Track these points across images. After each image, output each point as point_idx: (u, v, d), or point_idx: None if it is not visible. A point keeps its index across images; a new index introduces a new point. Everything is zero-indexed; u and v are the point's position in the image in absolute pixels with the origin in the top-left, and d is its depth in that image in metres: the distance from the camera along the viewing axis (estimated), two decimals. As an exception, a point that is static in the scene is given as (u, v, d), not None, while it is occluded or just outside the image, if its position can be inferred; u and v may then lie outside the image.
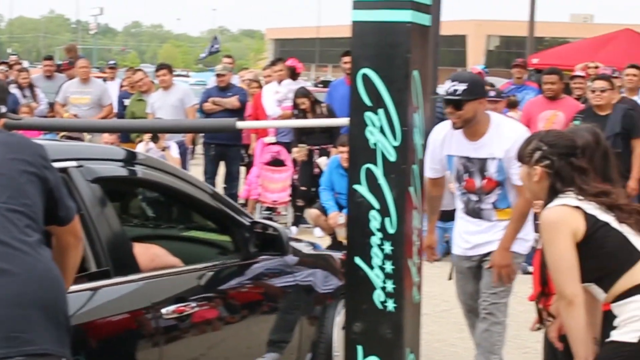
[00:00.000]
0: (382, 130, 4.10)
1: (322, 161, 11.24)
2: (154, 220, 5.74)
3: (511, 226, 5.22)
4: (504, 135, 5.17)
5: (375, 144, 4.12)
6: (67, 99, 12.86)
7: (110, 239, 3.88)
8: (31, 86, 13.91)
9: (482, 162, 5.24)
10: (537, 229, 4.38)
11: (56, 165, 3.67)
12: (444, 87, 5.12)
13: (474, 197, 5.35)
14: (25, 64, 20.75)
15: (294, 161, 11.91)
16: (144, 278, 4.01)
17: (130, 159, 4.42)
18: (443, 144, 5.32)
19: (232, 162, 12.51)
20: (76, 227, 3.22)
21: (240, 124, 4.98)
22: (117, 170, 4.25)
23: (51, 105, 13.70)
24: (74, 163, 3.90)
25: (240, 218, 4.80)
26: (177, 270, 4.35)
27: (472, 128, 5.14)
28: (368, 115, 4.11)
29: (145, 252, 4.22)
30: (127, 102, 12.93)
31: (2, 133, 3.10)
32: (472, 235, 5.41)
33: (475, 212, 5.37)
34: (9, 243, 2.80)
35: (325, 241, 10.03)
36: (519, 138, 4.34)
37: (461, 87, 5.02)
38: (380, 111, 4.09)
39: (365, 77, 4.11)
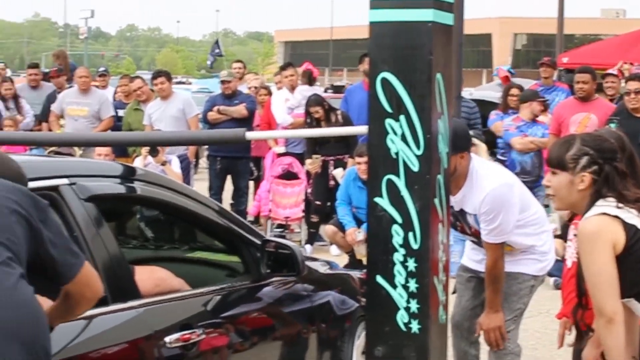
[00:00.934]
0: (404, 139, 4.11)
1: (338, 173, 11.29)
2: (156, 241, 5.74)
3: (490, 289, 5.42)
4: (474, 192, 5.32)
5: (396, 154, 4.13)
6: (63, 109, 12.80)
7: (107, 262, 3.87)
8: (15, 97, 13.80)
9: (462, 215, 5.39)
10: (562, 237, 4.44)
11: (46, 183, 3.74)
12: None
13: (471, 238, 5.57)
14: (7, 72, 20.88)
15: (308, 174, 11.96)
16: (145, 304, 4.00)
17: (128, 175, 4.41)
18: None
19: (240, 176, 12.55)
20: (90, 281, 3.25)
21: (249, 135, 5.00)
22: (114, 187, 4.25)
23: (37, 117, 13.71)
24: (65, 180, 3.89)
25: (250, 236, 4.82)
26: (182, 295, 4.34)
27: (452, 182, 5.20)
28: (388, 122, 4.12)
29: (149, 277, 4.22)
30: (121, 112, 12.89)
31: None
32: (478, 261, 5.60)
33: (478, 245, 5.54)
34: None
35: (342, 259, 10.08)
36: (488, 194, 4.89)
37: None
38: (402, 118, 4.11)
39: (385, 82, 4.13)
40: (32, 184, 3.56)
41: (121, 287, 3.92)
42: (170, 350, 4.00)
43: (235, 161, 12.40)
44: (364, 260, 9.58)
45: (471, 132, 10.05)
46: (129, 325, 3.90)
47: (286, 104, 12.43)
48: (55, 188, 3.81)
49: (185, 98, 12.73)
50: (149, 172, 4.87)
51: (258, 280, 4.79)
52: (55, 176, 3.88)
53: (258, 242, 4.82)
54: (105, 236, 3.94)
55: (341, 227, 10.18)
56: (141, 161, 10.50)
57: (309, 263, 5.18)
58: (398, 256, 4.20)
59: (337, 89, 27.49)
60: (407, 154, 4.13)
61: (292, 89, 12.64)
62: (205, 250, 5.46)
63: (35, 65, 15.81)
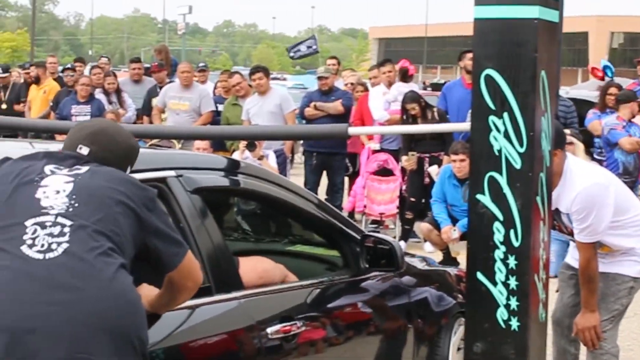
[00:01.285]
0: (507, 136, 4.10)
1: (433, 170, 11.25)
2: (257, 233, 5.80)
3: (585, 289, 5.35)
4: (567, 191, 5.23)
5: (499, 151, 4.12)
6: (166, 103, 12.95)
7: (212, 253, 3.92)
8: (118, 91, 14.02)
9: (558, 214, 5.32)
10: None
11: (154, 174, 3.80)
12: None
13: (569, 237, 5.51)
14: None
15: (403, 170, 11.95)
16: (247, 295, 4.03)
17: (232, 168, 4.46)
18: None
19: (335, 172, 12.57)
20: (192, 271, 3.32)
21: (352, 130, 5.03)
22: (219, 180, 4.30)
23: (138, 111, 13.93)
24: (172, 172, 3.94)
25: (350, 231, 4.83)
26: (283, 287, 4.37)
27: None
28: (492, 119, 4.11)
29: (253, 268, 4.26)
30: (221, 107, 12.98)
31: (109, 168, 3.27)
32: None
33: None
34: (89, 262, 2.93)
35: (436, 257, 10.05)
36: (580, 193, 4.77)
37: None
38: (505, 115, 4.09)
39: (489, 79, 4.12)
40: (140, 175, 3.64)
41: (225, 278, 3.96)
42: (270, 341, 4.02)
43: (332, 157, 12.42)
44: (459, 258, 9.58)
45: (568, 131, 9.96)
46: (232, 315, 3.94)
47: (383, 97, 12.41)
48: (163, 180, 3.85)
49: (282, 94, 12.79)
50: (251, 165, 4.91)
51: (357, 274, 4.79)
52: (162, 168, 3.93)
53: (357, 236, 4.82)
54: (210, 227, 3.98)
55: (436, 225, 10.12)
56: (239, 155, 10.57)
57: (407, 259, 5.16)
58: (499, 253, 4.20)
59: (437, 87, 27.38)
60: (510, 151, 4.12)
61: (390, 85, 12.63)
62: (304, 243, 5.48)
63: (138, 60, 15.94)
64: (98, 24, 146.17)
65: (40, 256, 2.91)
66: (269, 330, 4.01)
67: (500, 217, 4.18)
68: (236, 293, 3.98)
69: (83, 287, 2.88)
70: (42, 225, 2.98)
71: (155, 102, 13.35)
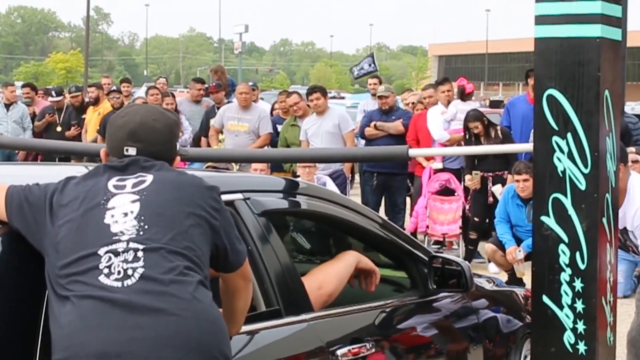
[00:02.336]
0: (570, 157, 4.13)
1: (496, 189, 11.23)
2: (323, 254, 5.87)
3: None
4: (630, 208, 5.21)
5: (563, 172, 4.15)
6: (223, 125, 12.91)
7: (280, 275, 3.97)
8: (176, 112, 13.80)
9: (625, 232, 5.30)
10: None
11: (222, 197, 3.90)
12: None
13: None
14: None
15: (465, 190, 11.94)
16: (316, 317, 4.08)
17: (297, 190, 4.52)
18: None
19: (396, 192, 12.59)
20: (245, 269, 3.41)
21: (412, 152, 5.06)
22: (284, 202, 4.37)
23: (195, 132, 13.96)
24: (240, 195, 4.02)
25: (417, 252, 4.87)
26: (352, 309, 4.41)
27: None
28: (555, 140, 4.14)
29: (319, 289, 4.30)
30: (279, 127, 13.00)
31: (172, 172, 3.32)
32: None
33: None
34: (167, 284, 3.01)
35: (501, 277, 10.03)
36: (638, 209, 4.54)
37: None
38: (569, 135, 4.12)
39: (551, 99, 4.16)
40: None
41: (294, 300, 4.02)
42: None
43: (392, 177, 12.45)
44: (524, 279, 9.55)
45: (633, 149, 9.90)
46: (301, 337, 3.99)
47: (442, 116, 12.40)
48: (230, 203, 3.91)
49: (340, 113, 12.75)
50: (316, 186, 4.98)
51: (425, 295, 4.83)
52: (230, 191, 3.99)
53: (425, 257, 4.86)
54: (278, 249, 4.04)
55: (500, 245, 10.12)
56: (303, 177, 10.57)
57: (475, 279, 5.20)
58: (565, 276, 4.21)
59: (493, 105, 27.26)
60: (574, 172, 4.14)
61: (448, 104, 12.62)
62: None
63: (202, 80, 15.94)
64: (153, 44, 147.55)
65: (119, 284, 3.00)
66: (339, 352, 4.05)
67: (566, 239, 4.20)
68: (305, 315, 4.03)
69: (164, 309, 2.97)
70: (115, 253, 3.06)
71: (212, 122, 13.41)
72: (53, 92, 16.43)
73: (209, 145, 13.23)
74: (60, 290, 3.03)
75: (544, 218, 4.23)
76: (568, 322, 4.23)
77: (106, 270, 3.02)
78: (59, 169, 5.18)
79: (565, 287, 4.22)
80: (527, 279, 8.50)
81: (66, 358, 2.92)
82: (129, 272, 3.02)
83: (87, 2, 51.61)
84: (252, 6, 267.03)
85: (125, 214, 3.15)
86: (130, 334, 2.93)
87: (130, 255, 3.06)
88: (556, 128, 4.15)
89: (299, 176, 10.42)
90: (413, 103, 13.94)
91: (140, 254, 3.06)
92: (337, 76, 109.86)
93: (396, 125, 12.44)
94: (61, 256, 3.08)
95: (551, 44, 4.19)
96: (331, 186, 10.93)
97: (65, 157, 11.87)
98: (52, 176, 3.38)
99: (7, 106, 15.61)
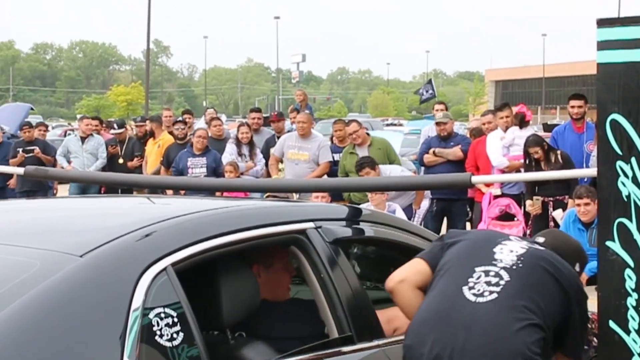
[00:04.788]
0: (635, 181, 4.10)
1: (557, 214, 11.16)
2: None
3: None
4: None
5: (627, 196, 4.12)
6: (284, 153, 13.02)
7: (352, 302, 4.00)
8: (251, 143, 13.94)
9: None
10: None
11: (295, 227, 3.97)
12: None
13: None
14: (222, 117, 21.07)
15: (526, 215, 11.87)
16: (389, 343, 4.10)
17: (365, 217, 4.56)
18: None
19: (456, 218, 12.57)
20: None
21: (475, 179, 5.05)
22: (354, 230, 4.41)
23: None
24: (312, 224, 4.07)
25: None
26: None
27: None
28: (619, 164, 4.12)
29: (389, 321, 4.33)
30: (337, 156, 13.03)
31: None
32: None
33: None
34: (504, 314, 3.57)
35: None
36: None
37: None
38: (633, 160, 4.09)
39: (615, 123, 4.13)
40: (281, 228, 3.93)
41: (366, 326, 4.04)
42: None
43: (452, 203, 12.44)
44: (588, 302, 9.38)
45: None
46: None
47: (501, 142, 12.34)
48: (302, 231, 4.00)
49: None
50: (383, 213, 5.01)
51: None
52: (302, 220, 4.07)
53: None
54: (349, 276, 4.08)
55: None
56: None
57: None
58: (631, 301, 4.16)
59: (548, 128, 27.06)
60: (639, 196, 4.10)
61: (506, 130, 12.55)
62: None
63: (258, 110, 16.04)
64: (211, 75, 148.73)
65: (473, 299, 3.62)
66: None
67: (631, 263, 4.15)
68: (377, 341, 4.06)
69: (488, 334, 3.49)
70: (486, 273, 3.62)
71: (272, 151, 13.48)
72: (115, 125, 16.67)
73: (269, 174, 13.30)
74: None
75: (609, 243, 4.19)
76: (635, 347, 4.19)
77: (471, 284, 3.69)
78: (123, 201, 5.26)
79: (631, 312, 4.17)
80: (590, 303, 8.40)
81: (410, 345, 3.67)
82: (485, 293, 3.64)
83: (147, 36, 52.07)
84: (309, 35, 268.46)
85: (511, 251, 3.78)
86: (453, 340, 3.52)
87: (494, 280, 3.66)
88: (620, 153, 4.13)
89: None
90: (473, 127, 13.90)
91: (502, 282, 3.64)
92: (394, 103, 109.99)
93: (455, 152, 12.43)
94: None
95: (614, 69, 4.17)
96: (400, 214, 10.94)
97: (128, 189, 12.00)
98: (113, 207, 3.43)
99: (83, 139, 15.82)
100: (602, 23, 4.17)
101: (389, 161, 12.26)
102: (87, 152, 15.60)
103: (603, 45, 4.19)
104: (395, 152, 13.22)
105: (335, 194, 11.47)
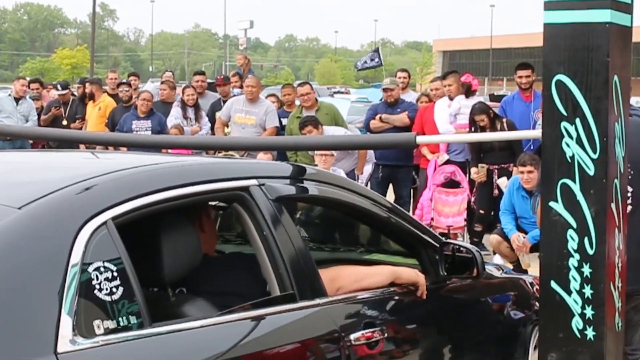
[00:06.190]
0: (579, 142, 4.11)
1: (502, 182, 11.22)
2: (333, 242, 5.87)
3: None
4: None
5: (572, 157, 4.13)
6: (230, 117, 13.05)
7: (295, 261, 3.98)
8: (197, 106, 13.99)
9: None
10: None
11: (237, 183, 3.93)
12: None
13: None
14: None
15: (471, 182, 11.94)
16: (330, 302, 4.09)
17: (310, 176, 4.51)
18: None
19: (402, 184, 12.62)
20: None
21: (420, 139, 5.04)
22: (298, 188, 4.38)
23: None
24: (255, 182, 4.03)
25: (428, 238, 4.88)
26: (365, 296, 4.40)
27: None
28: (564, 125, 4.12)
29: (331, 281, 4.28)
30: (284, 121, 13.09)
31: None
32: None
33: None
34: None
35: (507, 269, 10.02)
36: None
37: None
38: (577, 121, 4.10)
39: (560, 84, 4.13)
40: (223, 184, 3.86)
41: (308, 285, 4.02)
42: (354, 348, 4.07)
43: (398, 169, 12.47)
44: (530, 271, 9.54)
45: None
46: (315, 321, 4.00)
47: (449, 109, 12.38)
48: (246, 188, 3.96)
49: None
50: (328, 172, 4.99)
51: (436, 282, 4.83)
52: (245, 177, 4.02)
53: (436, 244, 4.87)
54: (293, 235, 4.05)
55: (505, 237, 10.11)
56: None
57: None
58: (573, 261, 4.19)
59: (494, 99, 27.23)
60: (583, 157, 4.12)
61: (451, 98, 12.58)
62: (382, 252, 5.56)
63: (202, 73, 16.09)
64: (158, 40, 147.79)
65: None
66: (352, 336, 4.07)
67: (574, 224, 4.17)
68: (319, 300, 4.04)
69: None
70: None
71: (218, 115, 13.44)
72: (58, 86, 16.56)
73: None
74: None
75: (552, 204, 4.21)
76: (576, 308, 4.22)
77: None
78: (64, 155, 5.20)
79: (573, 273, 4.20)
80: (532, 271, 8.49)
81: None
82: None
83: (93, -2, 51.53)
84: (257, 2, 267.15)
85: None
86: None
87: None
88: (565, 113, 4.13)
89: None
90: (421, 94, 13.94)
91: None
92: (342, 71, 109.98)
93: (402, 118, 12.45)
94: None
95: (560, 30, 4.17)
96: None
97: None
98: (54, 161, 3.38)
99: (17, 100, 15.72)
100: (550, -17, 4.17)
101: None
102: (20, 114, 15.51)
103: (550, 6, 4.18)
104: (343, 118, 13.20)
105: (281, 157, 11.46)
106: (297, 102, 13.14)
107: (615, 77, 4.14)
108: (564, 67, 4.14)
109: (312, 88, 13.10)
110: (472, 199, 11.95)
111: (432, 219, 12.07)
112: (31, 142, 14.37)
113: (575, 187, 4.15)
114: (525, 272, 9.86)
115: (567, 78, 4.13)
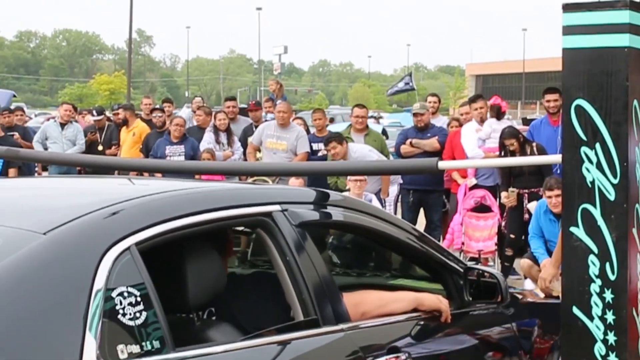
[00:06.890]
0: (599, 167, 4.09)
1: (532, 206, 11.18)
2: (359, 267, 5.86)
3: None
4: None
5: (592, 182, 4.11)
6: (262, 142, 13.05)
7: (318, 286, 3.98)
8: (229, 131, 14.04)
9: None
10: None
11: (260, 209, 3.94)
12: None
13: None
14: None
15: (501, 206, 11.89)
16: (353, 327, 4.07)
17: (334, 202, 4.52)
18: None
19: (433, 209, 12.58)
20: None
21: (442, 164, 5.03)
22: (322, 213, 4.38)
23: None
24: (278, 207, 4.03)
25: (452, 264, 4.87)
26: (389, 320, 4.39)
27: None
28: (584, 150, 4.11)
29: (355, 305, 4.28)
30: (315, 146, 13.09)
31: None
32: None
33: None
34: None
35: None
36: None
37: None
38: (597, 146, 4.09)
39: (579, 109, 4.12)
40: (247, 210, 3.88)
41: (331, 310, 4.01)
42: None
43: (429, 194, 12.45)
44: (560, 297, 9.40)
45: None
46: (338, 346, 3.98)
47: (477, 134, 12.38)
48: (268, 214, 3.96)
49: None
50: (353, 198, 4.99)
51: (461, 307, 4.82)
52: (269, 202, 4.03)
53: (460, 269, 4.86)
54: (315, 260, 4.05)
55: (536, 261, 10.07)
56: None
57: (512, 291, 5.21)
58: (594, 287, 4.15)
59: (527, 122, 27.09)
60: (603, 182, 4.10)
61: (482, 122, 12.58)
62: (407, 277, 5.55)
63: (233, 98, 16.20)
64: (194, 66, 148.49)
65: None
66: None
67: (595, 250, 4.15)
68: (342, 325, 4.02)
69: None
70: None
71: (250, 140, 13.49)
72: (94, 112, 16.69)
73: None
74: None
75: (573, 229, 4.19)
76: (599, 334, 4.19)
77: None
78: (92, 181, 5.25)
79: (595, 299, 4.17)
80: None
81: None
82: None
83: (130, 25, 51.98)
84: (291, 28, 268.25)
85: None
86: None
87: None
88: (584, 138, 4.12)
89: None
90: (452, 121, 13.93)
91: None
92: (375, 96, 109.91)
93: (432, 143, 12.44)
94: None
95: (579, 54, 4.16)
96: (376, 203, 10.92)
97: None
98: (81, 186, 3.42)
99: (62, 125, 15.82)
100: (568, 8, 4.16)
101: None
102: (66, 139, 15.61)
103: (569, 30, 4.17)
104: (389, 150, 13.25)
105: (321, 180, 11.46)
106: (329, 127, 13.19)
107: (635, 102, 4.12)
108: (583, 92, 4.13)
109: (367, 112, 13.15)
110: (503, 224, 11.91)
111: (463, 244, 12.05)
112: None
113: (596, 212, 4.13)
114: (556, 298, 9.83)
115: (586, 103, 4.11)
